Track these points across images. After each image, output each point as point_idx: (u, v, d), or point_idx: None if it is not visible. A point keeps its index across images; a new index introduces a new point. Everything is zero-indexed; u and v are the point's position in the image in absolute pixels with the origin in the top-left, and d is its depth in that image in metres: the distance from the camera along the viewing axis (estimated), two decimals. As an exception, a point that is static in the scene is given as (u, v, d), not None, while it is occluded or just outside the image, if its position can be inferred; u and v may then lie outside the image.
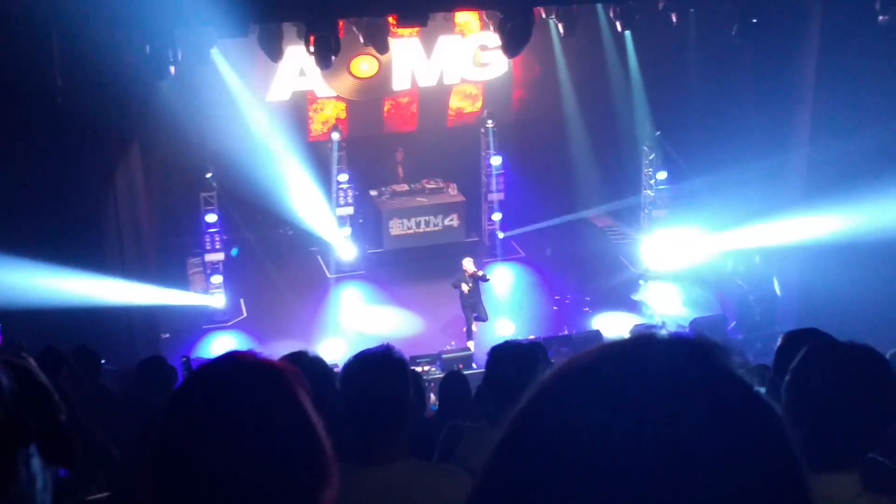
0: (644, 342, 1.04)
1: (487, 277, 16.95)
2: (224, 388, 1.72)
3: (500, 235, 20.59)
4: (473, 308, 16.66)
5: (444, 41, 20.35)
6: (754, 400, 1.00)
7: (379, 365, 3.64)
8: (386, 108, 21.43)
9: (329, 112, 20.94)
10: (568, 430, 0.97)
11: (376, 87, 20.60)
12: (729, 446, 0.94)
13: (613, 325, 17.21)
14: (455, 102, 21.75)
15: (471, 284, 16.45)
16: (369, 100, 20.91)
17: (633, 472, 0.92)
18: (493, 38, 17.73)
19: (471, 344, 16.51)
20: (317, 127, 20.83)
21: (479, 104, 21.63)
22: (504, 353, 4.77)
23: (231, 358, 1.83)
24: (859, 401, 2.78)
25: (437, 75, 20.80)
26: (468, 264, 16.59)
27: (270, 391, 1.73)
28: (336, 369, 7.74)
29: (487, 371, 4.78)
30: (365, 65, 19.93)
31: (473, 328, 16.69)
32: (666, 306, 18.40)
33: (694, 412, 0.95)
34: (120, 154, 14.17)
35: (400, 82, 20.66)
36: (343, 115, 20.93)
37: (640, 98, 19.94)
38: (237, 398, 1.70)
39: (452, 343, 16.63)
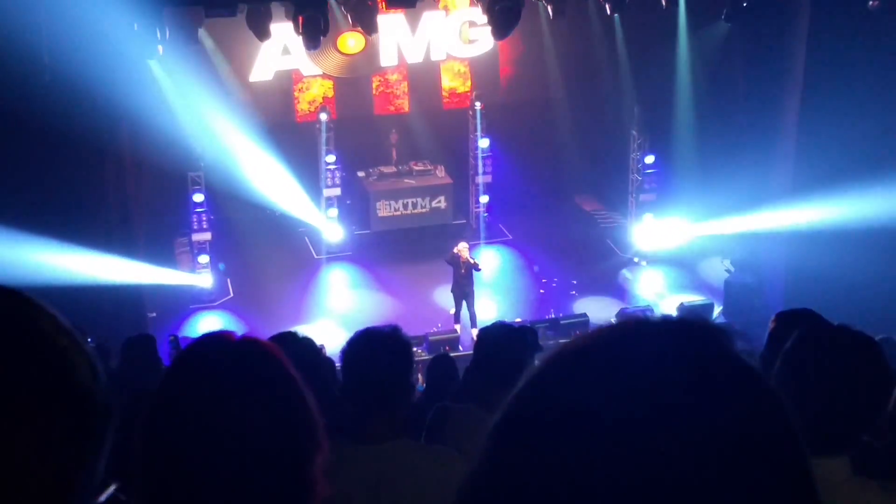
0: (640, 326, 1.03)
1: (480, 267, 16.76)
2: (214, 364, 1.75)
3: (487, 218, 20.55)
4: (464, 296, 16.53)
5: (429, 17, 20.29)
6: (756, 382, 0.99)
7: (385, 343, 3.66)
8: (375, 86, 21.24)
9: (315, 91, 20.74)
10: (561, 416, 0.96)
11: (363, 63, 20.43)
12: (729, 431, 0.93)
13: (599, 309, 17.27)
14: (447, 82, 21.64)
15: (464, 271, 16.40)
16: (357, 78, 20.75)
17: (629, 460, 0.91)
18: (481, 15, 17.56)
19: (458, 327, 16.49)
20: (303, 107, 20.68)
21: (468, 83, 21.54)
22: (493, 335, 4.78)
23: (216, 336, 1.84)
24: (850, 385, 2.79)
25: (424, 51, 20.70)
26: (464, 250, 16.52)
27: (260, 364, 1.76)
28: (324, 350, 7.76)
29: (476, 352, 4.78)
30: (352, 41, 19.59)
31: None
32: (652, 291, 18.45)
33: (690, 394, 0.94)
34: (108, 133, 14.10)
35: (387, 58, 20.54)
36: (330, 93, 20.72)
37: (628, 82, 19.92)
38: (228, 373, 1.72)
39: (439, 325, 16.64)
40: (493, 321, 5.35)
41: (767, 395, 0.99)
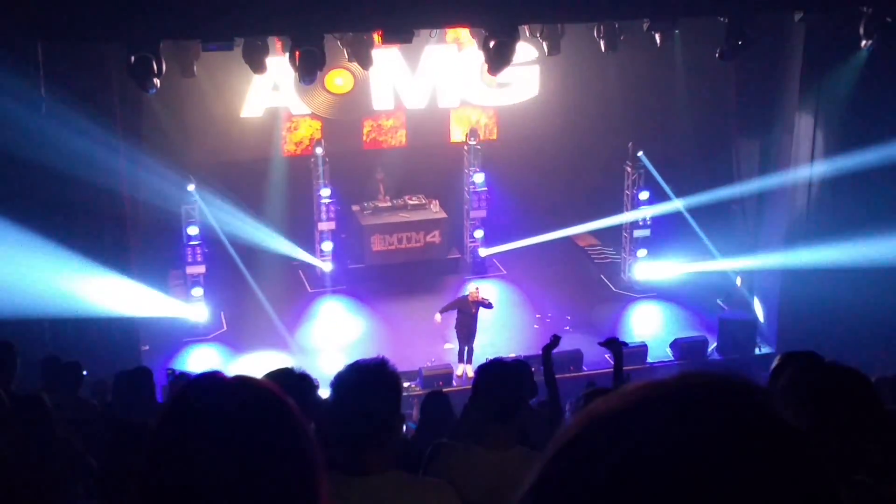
0: (677, 387, 1.00)
1: (492, 304, 16.63)
2: (219, 404, 1.72)
3: (482, 253, 20.56)
4: (468, 336, 16.37)
5: (432, 52, 19.42)
6: (804, 449, 0.97)
7: (373, 376, 3.67)
8: (366, 132, 20.75)
9: (303, 132, 20.34)
10: (597, 486, 0.94)
11: (353, 105, 19.88)
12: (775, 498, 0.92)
13: (593, 344, 17.26)
14: (458, 134, 20.73)
15: (473, 311, 16.27)
16: (347, 120, 20.30)
17: None
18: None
19: (467, 368, 16.23)
20: (290, 147, 20.40)
21: (494, 135, 20.76)
22: (491, 373, 4.78)
23: (213, 376, 1.81)
24: (844, 422, 2.79)
25: (427, 95, 19.92)
26: (475, 292, 16.46)
27: (261, 403, 1.73)
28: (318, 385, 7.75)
29: (474, 389, 4.77)
30: (339, 79, 19.27)
31: (468, 371, 16.18)
32: (646, 327, 18.43)
33: (735, 463, 0.92)
34: (105, 166, 14.08)
35: (381, 101, 19.89)
36: (318, 135, 20.19)
37: (623, 117, 19.97)
38: (229, 412, 1.70)
39: (433, 360, 16.59)
40: (490, 358, 5.34)
41: (815, 464, 0.97)
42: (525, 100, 20.57)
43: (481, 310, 16.42)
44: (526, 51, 17.57)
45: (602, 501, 0.93)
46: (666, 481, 0.91)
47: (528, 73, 19.77)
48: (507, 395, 4.59)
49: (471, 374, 15.88)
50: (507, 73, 17.45)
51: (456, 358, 16.60)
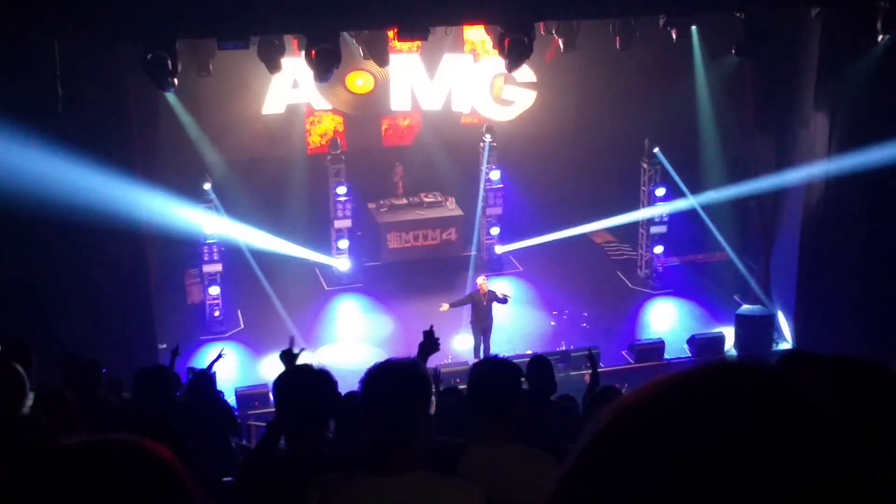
0: (719, 375, 1.00)
1: (506, 299, 16.46)
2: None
3: (498, 250, 20.56)
4: (483, 330, 16.34)
5: (451, 60, 19.94)
6: (845, 439, 0.96)
7: (406, 377, 3.67)
8: (384, 128, 21.15)
9: (326, 125, 20.72)
10: (633, 474, 0.94)
11: (373, 104, 20.32)
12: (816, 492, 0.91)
13: (610, 340, 17.24)
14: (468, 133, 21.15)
15: (485, 303, 16.25)
16: (367, 116, 20.66)
17: None
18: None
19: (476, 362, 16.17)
20: (315, 140, 20.71)
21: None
22: (482, 370, 4.77)
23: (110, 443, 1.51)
24: (868, 419, 2.76)
25: (442, 98, 20.34)
26: (484, 283, 16.43)
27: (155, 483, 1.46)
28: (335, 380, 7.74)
29: (468, 388, 4.77)
30: (360, 80, 19.70)
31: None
32: (664, 323, 18.40)
33: (776, 452, 0.92)
34: (121, 164, 14.13)
35: (398, 102, 20.29)
36: (340, 128, 20.69)
37: (639, 113, 19.92)
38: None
39: (449, 357, 16.58)
40: (503, 355, 5.35)
41: (853, 452, 0.96)
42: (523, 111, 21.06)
43: (496, 305, 16.38)
44: (525, 73, 18.89)
45: (638, 489, 0.93)
46: (700, 468, 0.91)
47: (527, 95, 20.51)
48: (498, 392, 4.57)
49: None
50: (510, 92, 20.05)
51: (478, 355, 16.59)
